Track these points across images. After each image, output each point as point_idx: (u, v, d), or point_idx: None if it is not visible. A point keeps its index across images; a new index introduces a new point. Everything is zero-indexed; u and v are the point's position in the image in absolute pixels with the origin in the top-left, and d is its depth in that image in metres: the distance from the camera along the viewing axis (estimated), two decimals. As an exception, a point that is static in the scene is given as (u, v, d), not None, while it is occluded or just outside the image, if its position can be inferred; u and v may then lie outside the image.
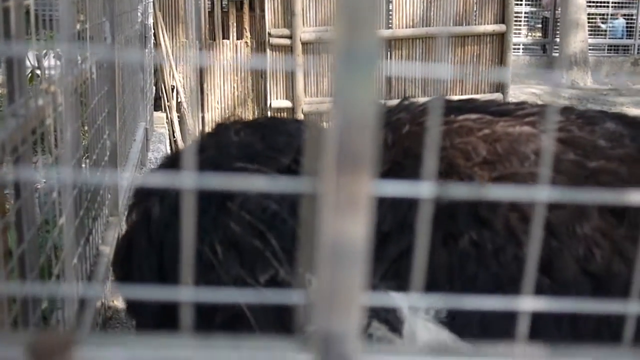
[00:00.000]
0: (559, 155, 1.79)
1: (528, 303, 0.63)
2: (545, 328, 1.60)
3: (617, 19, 16.72)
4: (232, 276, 1.53)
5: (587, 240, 1.67)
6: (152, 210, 1.80)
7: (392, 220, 1.73)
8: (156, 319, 1.77)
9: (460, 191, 0.65)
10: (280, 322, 1.57)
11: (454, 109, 2.00)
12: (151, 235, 1.78)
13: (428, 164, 0.58)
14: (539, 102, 2.24)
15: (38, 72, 2.29)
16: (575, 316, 1.64)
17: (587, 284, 1.66)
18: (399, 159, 1.85)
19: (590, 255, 1.66)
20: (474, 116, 1.93)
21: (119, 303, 3.52)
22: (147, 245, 1.80)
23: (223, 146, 1.89)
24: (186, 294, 0.62)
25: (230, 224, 1.59)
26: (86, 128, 2.93)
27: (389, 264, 1.72)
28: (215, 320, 1.54)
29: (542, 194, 0.60)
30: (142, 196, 1.90)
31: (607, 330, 1.65)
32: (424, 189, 0.59)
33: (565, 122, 1.91)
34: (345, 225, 0.57)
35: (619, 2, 16.79)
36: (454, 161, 1.79)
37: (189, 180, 0.58)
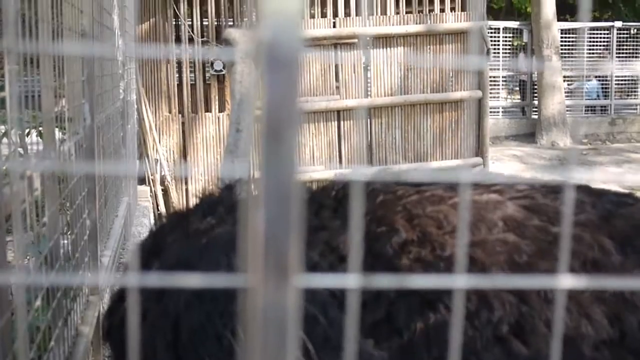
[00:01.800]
0: (524, 221, 1.86)
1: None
2: None
3: (590, 80, 17.16)
4: None
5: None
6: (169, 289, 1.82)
7: (368, 291, 1.78)
8: None
9: (384, 282, 0.70)
10: None
11: (424, 182, 2.09)
12: (168, 312, 1.78)
13: (353, 256, 0.63)
14: (506, 173, 2.33)
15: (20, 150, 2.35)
16: None
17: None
18: (372, 227, 1.91)
19: None
20: (444, 185, 2.02)
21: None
22: (161, 320, 1.81)
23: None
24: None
25: None
26: (68, 204, 2.97)
27: (368, 331, 1.76)
28: None
29: (460, 281, 0.64)
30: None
31: None
32: (350, 281, 0.64)
33: (530, 190, 1.99)
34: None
35: (593, 65, 17.24)
36: (426, 229, 1.86)
37: (132, 278, 0.63)
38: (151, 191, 7.79)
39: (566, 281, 0.67)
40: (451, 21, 8.54)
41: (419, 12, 8.58)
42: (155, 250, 1.95)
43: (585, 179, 2.07)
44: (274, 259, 0.60)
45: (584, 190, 2.06)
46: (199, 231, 1.90)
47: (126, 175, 5.70)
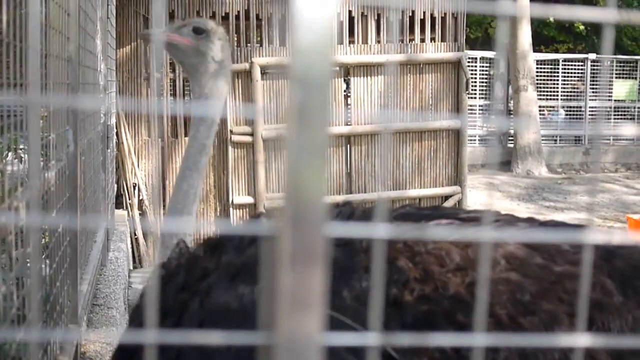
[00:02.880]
0: (527, 259, 1.84)
1: None
2: None
3: (557, 111, 17.44)
4: None
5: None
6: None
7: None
8: None
9: (405, 339, 0.70)
10: None
11: (424, 216, 2.06)
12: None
13: (374, 307, 0.63)
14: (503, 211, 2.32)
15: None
16: None
17: None
18: (372, 264, 1.85)
19: None
20: (445, 221, 1.99)
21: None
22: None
23: None
24: None
25: None
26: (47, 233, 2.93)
27: None
28: None
29: (479, 339, 0.65)
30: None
31: None
32: (370, 339, 0.64)
33: (531, 228, 1.98)
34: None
35: (567, 95, 17.55)
36: (428, 267, 1.81)
37: (150, 336, 0.62)
38: (129, 215, 7.72)
39: (583, 340, 0.68)
40: (431, 51, 8.65)
41: (399, 42, 8.68)
42: (192, 291, 1.84)
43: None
44: (298, 317, 0.60)
45: (584, 229, 2.05)
46: (241, 272, 1.79)
47: (105, 199, 5.64)
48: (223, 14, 8.23)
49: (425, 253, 1.84)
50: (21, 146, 3.02)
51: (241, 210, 8.28)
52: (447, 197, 8.83)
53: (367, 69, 8.45)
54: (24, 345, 2.06)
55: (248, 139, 8.15)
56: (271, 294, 0.61)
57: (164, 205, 8.13)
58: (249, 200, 8.22)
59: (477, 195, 12.69)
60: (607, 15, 0.80)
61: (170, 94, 8.22)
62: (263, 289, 0.65)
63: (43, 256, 2.70)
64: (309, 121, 0.59)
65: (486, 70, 17.06)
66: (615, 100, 17.89)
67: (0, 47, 1.79)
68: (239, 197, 8.24)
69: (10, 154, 2.78)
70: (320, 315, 0.61)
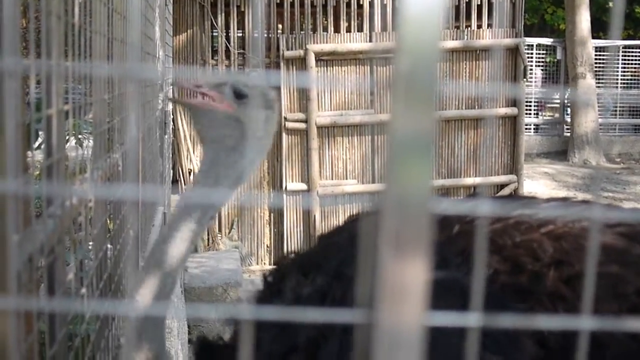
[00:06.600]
0: (628, 249, 1.72)
1: None
2: None
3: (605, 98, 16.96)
4: None
5: None
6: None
7: None
8: None
9: (508, 321, 0.68)
10: None
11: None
12: None
13: (476, 294, 0.61)
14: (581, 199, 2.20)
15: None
16: None
17: None
18: (453, 259, 1.73)
19: None
20: (528, 211, 1.84)
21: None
22: None
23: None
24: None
25: None
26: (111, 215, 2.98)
27: None
28: None
29: (585, 323, 0.62)
30: None
31: None
32: (471, 320, 0.62)
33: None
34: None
35: (627, 82, 17.06)
36: (519, 260, 1.69)
37: (246, 311, 0.62)
38: (184, 201, 7.81)
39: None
40: (488, 37, 8.50)
41: (455, 28, 8.55)
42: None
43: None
44: (399, 306, 0.58)
45: None
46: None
47: (162, 184, 5.73)
48: (278, 1, 8.24)
49: (513, 246, 1.70)
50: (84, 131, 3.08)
51: (294, 197, 8.30)
52: (502, 186, 8.70)
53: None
54: (93, 323, 2.10)
55: (302, 125, 8.16)
56: (370, 283, 0.59)
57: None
58: (302, 187, 8.24)
59: (533, 184, 12.47)
60: None
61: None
62: (361, 277, 0.63)
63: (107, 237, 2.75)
64: (416, 94, 0.57)
65: (543, 58, 16.71)
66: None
67: (72, 32, 1.81)
68: (292, 183, 8.27)
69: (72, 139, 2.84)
70: (422, 304, 0.59)
